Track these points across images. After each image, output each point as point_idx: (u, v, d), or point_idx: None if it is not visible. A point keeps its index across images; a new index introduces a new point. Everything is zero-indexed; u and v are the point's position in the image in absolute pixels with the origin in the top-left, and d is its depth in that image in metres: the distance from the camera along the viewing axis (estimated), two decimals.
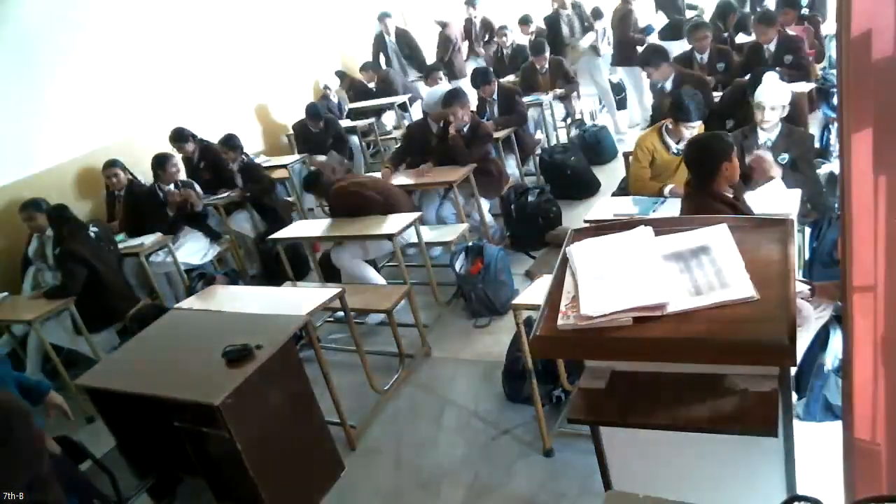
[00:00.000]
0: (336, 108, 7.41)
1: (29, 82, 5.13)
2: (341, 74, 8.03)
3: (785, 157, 3.25)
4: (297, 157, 6.41)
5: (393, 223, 3.96)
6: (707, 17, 6.26)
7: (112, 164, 5.16)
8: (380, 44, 8.14)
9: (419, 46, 8.15)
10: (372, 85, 7.79)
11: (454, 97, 4.83)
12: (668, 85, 4.49)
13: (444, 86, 5.36)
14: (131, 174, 5.27)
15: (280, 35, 7.57)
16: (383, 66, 8.14)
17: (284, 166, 6.01)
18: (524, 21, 7.42)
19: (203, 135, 5.91)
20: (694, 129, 3.36)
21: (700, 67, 5.07)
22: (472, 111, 4.94)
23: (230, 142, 5.53)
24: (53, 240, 4.29)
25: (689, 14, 6.75)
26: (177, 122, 5.82)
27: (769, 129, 3.27)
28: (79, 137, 5.42)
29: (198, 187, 5.50)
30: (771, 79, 3.33)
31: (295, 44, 7.76)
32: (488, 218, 5.02)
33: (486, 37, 7.86)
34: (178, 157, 5.15)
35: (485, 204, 4.97)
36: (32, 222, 4.37)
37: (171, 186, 5.04)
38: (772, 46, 4.73)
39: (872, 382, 1.38)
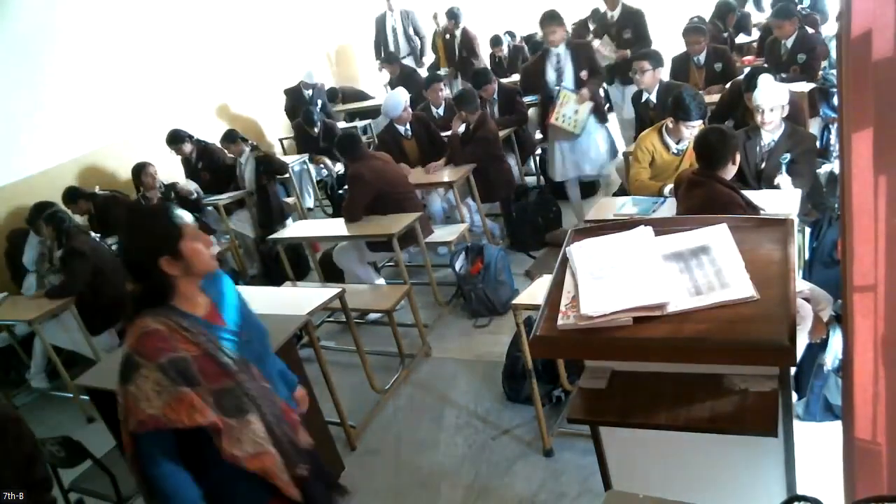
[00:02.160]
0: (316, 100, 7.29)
1: (23, 85, 5.13)
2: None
3: (786, 157, 3.25)
4: (297, 157, 6.41)
5: (394, 223, 3.96)
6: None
7: (67, 198, 4.93)
8: (381, 27, 7.96)
9: (423, 32, 8.03)
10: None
11: (456, 103, 4.98)
12: (654, 97, 4.42)
13: (399, 91, 5.32)
14: (89, 193, 5.12)
15: (276, 35, 7.57)
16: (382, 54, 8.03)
17: (284, 162, 6.00)
18: (495, 42, 7.38)
19: (200, 136, 5.91)
20: (695, 128, 3.36)
21: (697, 69, 5.07)
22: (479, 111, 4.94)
23: (230, 136, 5.53)
24: (56, 243, 4.24)
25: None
26: (172, 123, 5.82)
27: (772, 129, 3.27)
28: (74, 140, 5.43)
29: (195, 186, 5.51)
30: (766, 80, 3.33)
31: (291, 43, 7.75)
32: (477, 219, 5.03)
33: (464, 52, 7.70)
34: (154, 167, 5.08)
35: (473, 205, 4.98)
36: (41, 234, 4.35)
37: (157, 192, 5.05)
38: (789, 43, 4.71)
39: (873, 382, 1.38)
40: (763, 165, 3.30)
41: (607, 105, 5.83)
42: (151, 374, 1.47)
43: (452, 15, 7.55)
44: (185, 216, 1.61)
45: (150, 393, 1.46)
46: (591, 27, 7.14)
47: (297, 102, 7.02)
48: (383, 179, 4.16)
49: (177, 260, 1.55)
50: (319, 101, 7.23)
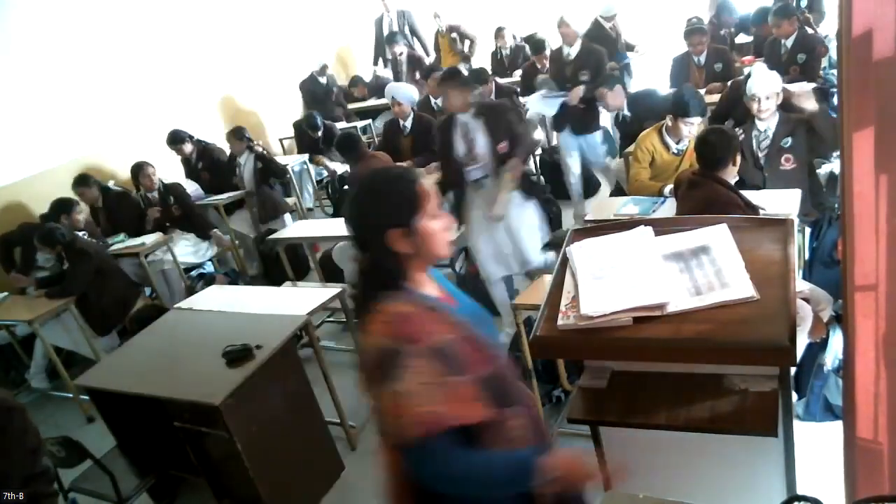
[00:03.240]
0: (331, 88, 7.35)
1: (23, 85, 5.12)
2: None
3: (789, 140, 3.26)
4: (297, 157, 6.41)
5: None
6: None
7: (79, 183, 4.98)
8: (379, 29, 7.97)
9: (420, 31, 7.99)
10: (363, 99, 7.67)
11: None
12: (626, 111, 4.44)
13: (402, 86, 5.32)
14: (102, 186, 5.13)
15: (277, 36, 7.56)
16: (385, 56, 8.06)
17: (284, 166, 6.00)
18: (498, 33, 7.36)
19: (200, 136, 5.91)
20: (693, 125, 3.37)
21: (697, 68, 5.08)
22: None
23: (239, 133, 5.51)
24: (64, 252, 4.19)
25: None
26: (172, 123, 5.81)
27: (767, 118, 3.29)
28: (74, 140, 5.41)
29: (196, 186, 5.51)
30: (760, 69, 3.36)
31: (291, 42, 7.74)
32: None
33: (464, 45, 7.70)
34: (152, 167, 5.06)
35: None
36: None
37: (155, 193, 5.05)
38: (789, 43, 4.71)
39: (874, 382, 1.39)
40: (766, 152, 3.29)
41: None
42: (420, 364, 1.20)
43: (391, 40, 7.38)
44: (432, 189, 1.34)
45: (424, 386, 1.19)
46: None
47: (315, 90, 7.18)
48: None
49: (408, 236, 1.29)
50: (335, 89, 7.31)
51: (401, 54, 7.37)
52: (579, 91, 4.49)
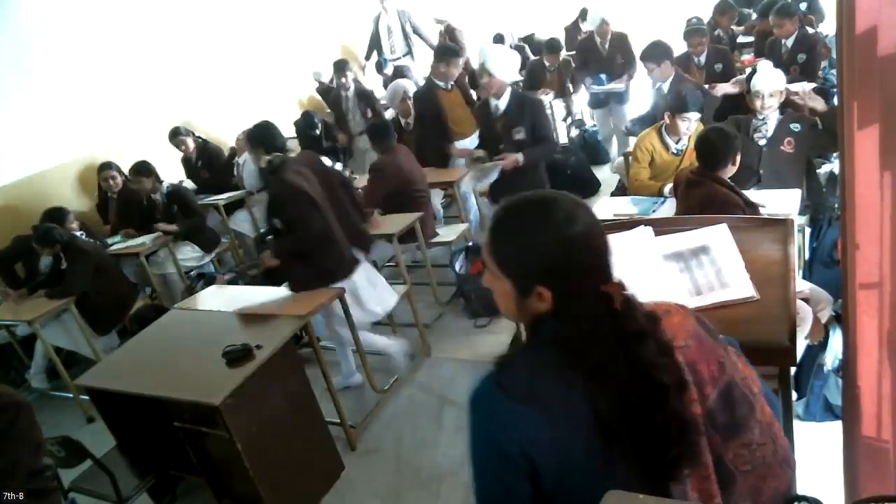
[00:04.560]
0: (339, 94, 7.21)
1: (26, 83, 5.12)
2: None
3: (798, 126, 3.25)
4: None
5: (392, 224, 3.95)
6: None
7: (108, 167, 5.10)
8: (377, 26, 7.91)
9: (422, 29, 7.90)
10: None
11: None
12: (666, 87, 4.43)
13: (404, 80, 5.33)
14: (125, 177, 5.20)
15: (279, 33, 7.56)
16: (386, 53, 7.95)
17: None
18: (498, 40, 7.31)
19: (199, 135, 5.91)
20: (692, 122, 3.37)
21: (698, 69, 5.07)
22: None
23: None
24: (63, 253, 4.18)
25: None
26: (172, 123, 5.81)
27: (770, 115, 3.29)
28: (76, 138, 5.41)
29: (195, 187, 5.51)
30: (765, 66, 3.36)
31: (292, 41, 7.74)
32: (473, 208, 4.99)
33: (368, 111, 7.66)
34: (149, 175, 4.90)
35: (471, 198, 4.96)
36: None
37: (158, 196, 5.01)
38: (789, 43, 4.71)
39: (878, 379, 1.38)
40: (771, 134, 3.27)
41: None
42: None
43: (339, 68, 6.69)
44: None
45: None
46: (582, 25, 7.07)
47: (326, 98, 7.15)
48: (403, 178, 4.17)
49: None
50: (345, 94, 6.69)
51: (348, 89, 6.60)
52: (518, 157, 3.65)
